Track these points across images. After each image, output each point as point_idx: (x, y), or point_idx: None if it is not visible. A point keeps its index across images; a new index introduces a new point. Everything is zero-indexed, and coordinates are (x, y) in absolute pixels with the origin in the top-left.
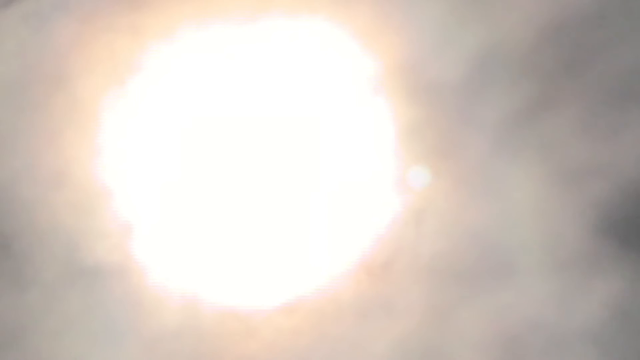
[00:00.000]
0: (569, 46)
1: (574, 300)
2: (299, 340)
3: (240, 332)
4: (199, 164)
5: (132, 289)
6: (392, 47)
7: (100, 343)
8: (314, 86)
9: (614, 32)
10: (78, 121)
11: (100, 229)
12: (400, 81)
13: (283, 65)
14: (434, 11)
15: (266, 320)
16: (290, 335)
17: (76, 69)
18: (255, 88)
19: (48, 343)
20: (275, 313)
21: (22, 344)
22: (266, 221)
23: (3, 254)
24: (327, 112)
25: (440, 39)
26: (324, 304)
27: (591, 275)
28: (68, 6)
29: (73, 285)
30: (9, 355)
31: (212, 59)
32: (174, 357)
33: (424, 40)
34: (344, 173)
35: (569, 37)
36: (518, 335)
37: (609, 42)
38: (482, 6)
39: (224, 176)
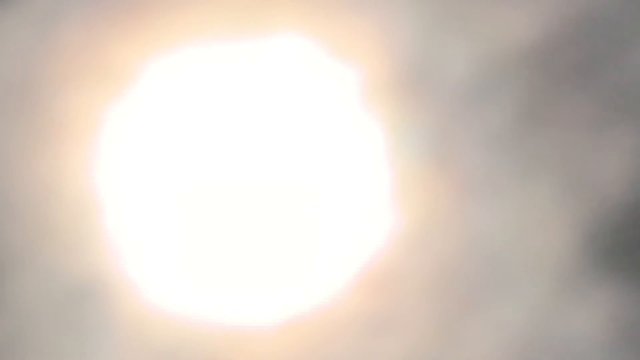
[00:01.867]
0: (556, 62)
1: (575, 313)
2: (299, 356)
3: (237, 349)
4: (194, 176)
5: (124, 306)
6: (383, 59)
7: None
8: (308, 101)
9: (614, 41)
10: (73, 130)
11: (92, 243)
12: (396, 91)
13: (278, 81)
14: (425, 15)
15: (265, 337)
16: (290, 350)
17: (74, 76)
18: (251, 102)
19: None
20: (274, 329)
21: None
22: (264, 237)
23: None
24: (322, 125)
25: (432, 46)
26: (323, 319)
27: (590, 289)
28: (67, 12)
29: (62, 301)
30: None
31: (208, 72)
32: None
33: (416, 48)
34: (342, 187)
35: (555, 55)
36: (522, 348)
37: (612, 51)
38: (473, 12)
39: (220, 190)
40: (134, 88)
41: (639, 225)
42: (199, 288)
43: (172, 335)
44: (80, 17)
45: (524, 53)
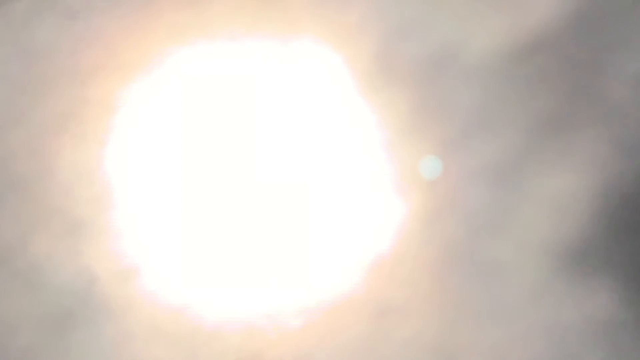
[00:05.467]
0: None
1: (572, 300)
2: (308, 340)
3: (248, 334)
4: (202, 165)
5: (134, 293)
6: (378, 53)
7: (102, 345)
8: (311, 93)
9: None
10: (90, 119)
11: (106, 232)
12: (393, 81)
13: (283, 76)
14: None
15: (275, 322)
16: (305, 338)
17: (94, 65)
18: (259, 97)
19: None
20: (284, 314)
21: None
22: (273, 222)
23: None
24: (326, 117)
25: (444, 39)
26: (333, 304)
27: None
28: (87, 7)
29: (74, 286)
30: None
31: (219, 66)
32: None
33: (418, 39)
34: (351, 174)
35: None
36: (525, 335)
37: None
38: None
39: (234, 182)
40: (149, 80)
41: (610, 231)
42: (214, 279)
43: (189, 325)
44: (100, 11)
45: (503, 43)
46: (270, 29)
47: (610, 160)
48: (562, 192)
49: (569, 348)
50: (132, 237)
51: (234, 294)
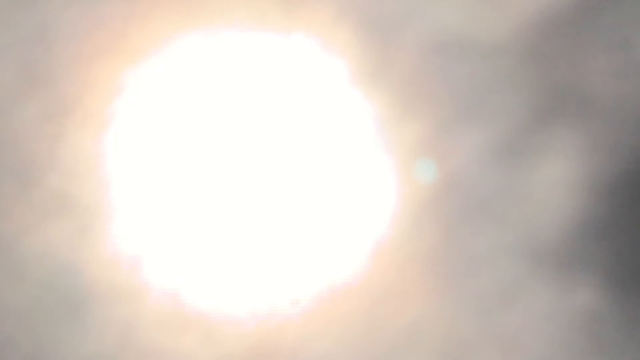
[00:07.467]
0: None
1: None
2: (309, 328)
3: (250, 322)
4: (204, 151)
5: (138, 281)
6: (366, 50)
7: (95, 341)
8: (305, 88)
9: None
10: (92, 104)
11: (102, 219)
12: (381, 71)
13: (282, 67)
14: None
15: (277, 310)
16: (300, 323)
17: (98, 49)
18: (255, 90)
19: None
20: (286, 302)
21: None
22: (273, 213)
23: None
24: (320, 111)
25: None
26: (333, 292)
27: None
28: None
29: (72, 274)
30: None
31: (218, 57)
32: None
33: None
34: (347, 163)
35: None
36: (518, 321)
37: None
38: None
39: (232, 166)
40: (153, 65)
41: (579, 232)
42: (216, 268)
43: (192, 315)
44: None
45: (512, 31)
46: (271, 19)
47: (592, 155)
48: (542, 186)
49: (559, 336)
50: (136, 225)
51: (236, 284)
